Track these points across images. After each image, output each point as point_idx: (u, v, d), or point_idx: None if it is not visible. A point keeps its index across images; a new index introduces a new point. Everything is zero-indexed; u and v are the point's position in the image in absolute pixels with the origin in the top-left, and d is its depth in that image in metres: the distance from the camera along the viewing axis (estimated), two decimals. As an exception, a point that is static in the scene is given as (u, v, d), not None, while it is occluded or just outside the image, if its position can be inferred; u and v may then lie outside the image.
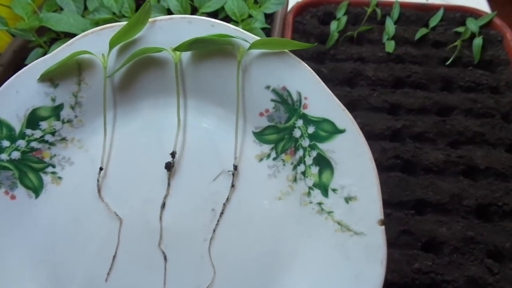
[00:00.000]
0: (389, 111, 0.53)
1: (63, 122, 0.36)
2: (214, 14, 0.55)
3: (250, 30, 0.52)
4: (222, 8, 0.55)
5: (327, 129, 0.34)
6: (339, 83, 0.55)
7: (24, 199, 0.36)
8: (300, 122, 0.35)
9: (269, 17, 0.57)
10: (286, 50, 0.34)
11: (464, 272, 0.41)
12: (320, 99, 0.34)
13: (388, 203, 0.44)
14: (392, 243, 0.42)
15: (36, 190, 0.36)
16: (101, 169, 0.36)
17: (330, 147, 0.34)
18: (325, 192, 0.35)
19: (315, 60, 0.58)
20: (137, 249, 0.36)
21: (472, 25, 0.58)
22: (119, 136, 0.38)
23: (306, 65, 0.34)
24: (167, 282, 0.35)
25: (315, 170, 0.35)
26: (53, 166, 0.37)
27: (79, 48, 0.34)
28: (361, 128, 0.34)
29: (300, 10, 0.62)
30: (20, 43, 0.53)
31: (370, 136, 0.49)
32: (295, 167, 0.36)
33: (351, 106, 0.53)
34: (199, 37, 0.34)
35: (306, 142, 0.35)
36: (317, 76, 0.34)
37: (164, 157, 0.36)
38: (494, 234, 0.43)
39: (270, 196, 0.36)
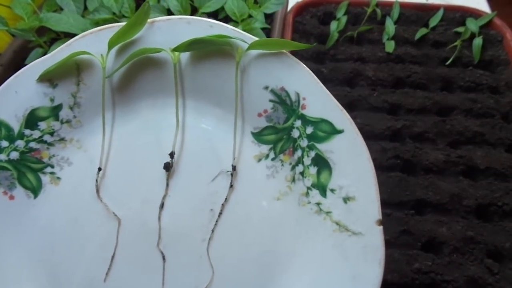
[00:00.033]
0: (389, 111, 0.53)
1: (61, 123, 0.37)
2: (214, 14, 0.55)
3: (250, 30, 0.52)
4: (222, 8, 0.55)
5: (325, 130, 0.34)
6: (339, 83, 0.55)
7: (22, 199, 0.36)
8: (298, 123, 0.35)
9: (269, 17, 0.57)
10: (284, 51, 0.34)
11: (464, 272, 0.40)
12: (319, 100, 0.34)
13: (388, 203, 0.44)
14: (392, 243, 0.42)
15: (35, 190, 0.36)
16: (99, 169, 0.36)
17: (328, 148, 0.34)
18: (323, 192, 0.35)
19: (315, 60, 0.58)
20: (136, 249, 0.36)
21: (472, 25, 0.58)
22: (117, 136, 0.38)
23: (304, 65, 0.34)
24: (166, 282, 0.35)
25: (313, 170, 0.35)
26: (52, 167, 0.37)
27: (78, 49, 0.34)
28: (361, 128, 0.34)
29: (300, 10, 0.62)
30: (20, 43, 0.53)
31: (370, 136, 0.49)
32: (293, 168, 0.36)
33: (351, 106, 0.53)
34: (197, 38, 0.34)
35: (304, 143, 0.35)
36: (315, 77, 0.34)
37: (163, 158, 0.36)
38: (494, 234, 0.43)
39: (269, 196, 0.36)
